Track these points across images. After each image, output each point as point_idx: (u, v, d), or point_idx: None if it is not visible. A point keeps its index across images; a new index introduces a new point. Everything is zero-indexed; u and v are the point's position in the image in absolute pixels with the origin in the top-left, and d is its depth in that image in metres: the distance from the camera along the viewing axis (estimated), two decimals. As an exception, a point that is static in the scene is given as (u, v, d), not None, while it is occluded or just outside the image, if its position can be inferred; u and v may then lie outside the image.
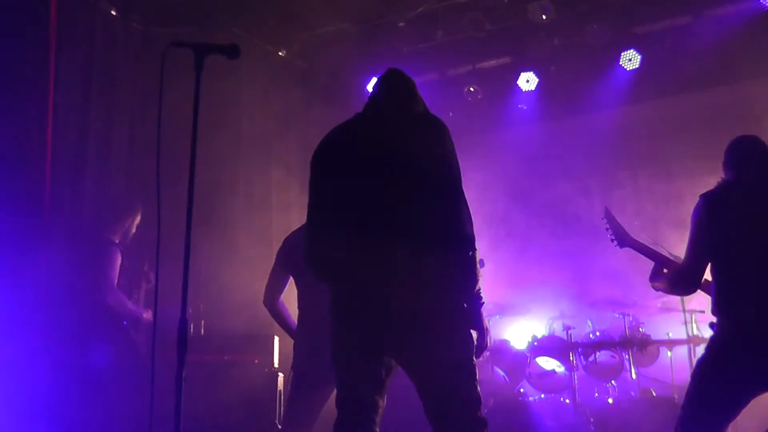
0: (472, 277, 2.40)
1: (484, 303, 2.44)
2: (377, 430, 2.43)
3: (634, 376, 5.45)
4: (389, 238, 2.34)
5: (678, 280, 3.04)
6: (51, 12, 4.68)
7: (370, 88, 6.96)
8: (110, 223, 4.63)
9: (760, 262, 2.80)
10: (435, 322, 2.33)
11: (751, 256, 2.82)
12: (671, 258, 3.27)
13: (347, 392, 2.44)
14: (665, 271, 3.15)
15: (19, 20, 4.58)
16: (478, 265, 2.43)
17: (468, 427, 2.33)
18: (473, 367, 2.39)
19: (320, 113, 6.34)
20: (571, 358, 5.48)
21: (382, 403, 2.45)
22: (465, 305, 2.39)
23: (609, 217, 3.42)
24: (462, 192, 2.42)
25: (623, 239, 3.34)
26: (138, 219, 4.73)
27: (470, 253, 2.39)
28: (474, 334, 2.43)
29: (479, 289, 2.42)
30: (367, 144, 2.48)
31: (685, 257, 2.99)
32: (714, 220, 2.90)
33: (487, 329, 2.45)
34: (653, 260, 3.21)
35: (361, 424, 2.40)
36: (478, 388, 2.38)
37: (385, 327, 2.34)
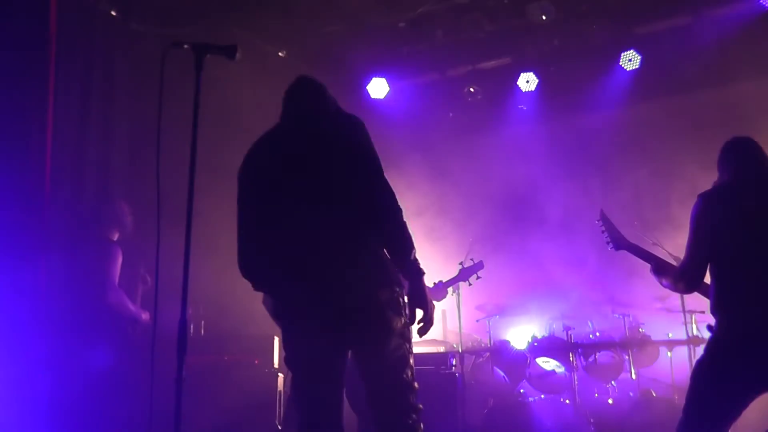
0: (401, 246, 2.39)
1: (423, 273, 2.42)
2: (343, 425, 2.47)
3: (634, 376, 5.45)
4: (314, 239, 2.39)
5: (678, 279, 3.05)
6: (51, 12, 4.68)
7: (370, 88, 6.98)
8: (108, 221, 4.62)
9: (758, 262, 2.80)
10: (366, 314, 2.36)
11: (749, 256, 2.82)
12: (667, 260, 3.27)
13: (308, 395, 2.47)
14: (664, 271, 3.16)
15: (20, 21, 4.58)
16: (405, 235, 2.40)
17: (399, 413, 2.36)
18: (405, 354, 2.41)
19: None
20: (571, 359, 5.48)
21: (342, 398, 2.49)
22: (398, 289, 2.42)
23: (604, 220, 3.41)
24: (381, 178, 2.44)
25: (619, 242, 3.34)
26: (129, 216, 4.71)
27: (392, 223, 2.39)
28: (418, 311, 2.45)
29: (414, 259, 2.41)
30: (285, 154, 2.54)
31: (684, 257, 3.00)
32: (712, 221, 2.90)
33: (430, 302, 2.43)
34: (649, 263, 3.21)
35: (330, 423, 2.43)
36: (410, 374, 2.41)
37: (326, 323, 2.38)
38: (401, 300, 2.43)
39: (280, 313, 2.51)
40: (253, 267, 2.53)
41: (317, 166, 2.45)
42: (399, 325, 2.40)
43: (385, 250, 2.44)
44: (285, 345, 2.54)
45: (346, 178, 2.42)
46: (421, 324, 2.43)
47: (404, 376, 2.39)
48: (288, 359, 2.54)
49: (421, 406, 2.41)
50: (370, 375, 2.41)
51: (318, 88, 2.72)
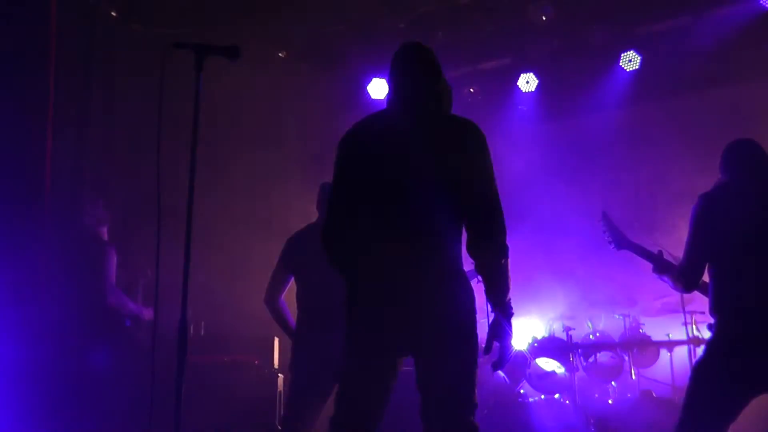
0: (501, 285, 2.36)
1: (513, 314, 2.39)
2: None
3: (634, 377, 5.45)
4: (414, 238, 2.32)
5: (677, 279, 3.05)
6: (51, 13, 4.68)
7: (370, 88, 6.97)
8: (95, 222, 4.61)
9: (757, 262, 2.81)
10: (451, 325, 2.32)
11: (749, 256, 2.83)
12: (669, 260, 3.27)
13: (354, 392, 2.39)
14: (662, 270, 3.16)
15: (20, 21, 4.57)
16: (508, 275, 2.38)
17: (460, 430, 2.33)
18: (476, 372, 2.38)
19: (321, 115, 6.35)
20: (571, 359, 5.48)
21: (384, 408, 2.42)
22: (492, 313, 2.38)
23: (606, 220, 3.42)
24: (496, 199, 2.36)
25: (620, 242, 3.34)
26: (105, 210, 4.69)
27: (501, 261, 2.35)
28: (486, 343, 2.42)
29: (509, 299, 2.37)
30: (398, 141, 2.41)
31: (683, 257, 3.00)
32: (712, 221, 2.90)
33: (511, 344, 2.39)
34: (651, 262, 3.21)
35: (362, 426, 2.38)
36: (475, 393, 2.38)
37: (402, 327, 2.31)
38: (475, 322, 2.39)
39: (355, 301, 2.39)
40: (334, 247, 2.45)
41: (426, 169, 2.33)
42: (475, 345, 2.37)
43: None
44: (349, 339, 2.38)
45: (459, 193, 2.32)
46: (497, 360, 2.40)
47: (472, 394, 2.36)
48: (349, 352, 2.39)
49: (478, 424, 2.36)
50: (436, 388, 2.34)
51: (432, 65, 2.57)
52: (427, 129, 2.42)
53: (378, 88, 6.96)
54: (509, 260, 2.37)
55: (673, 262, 3.28)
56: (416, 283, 2.30)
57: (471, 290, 2.39)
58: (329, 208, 2.49)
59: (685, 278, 3.00)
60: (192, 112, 2.34)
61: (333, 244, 2.45)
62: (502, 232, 2.36)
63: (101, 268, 4.35)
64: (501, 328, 2.36)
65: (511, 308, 2.38)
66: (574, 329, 5.70)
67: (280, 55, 6.76)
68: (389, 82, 2.59)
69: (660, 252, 3.26)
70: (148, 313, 4.57)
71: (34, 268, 4.38)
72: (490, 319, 2.39)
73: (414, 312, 2.29)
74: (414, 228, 2.33)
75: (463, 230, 2.42)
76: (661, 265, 3.17)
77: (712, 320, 2.91)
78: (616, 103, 6.78)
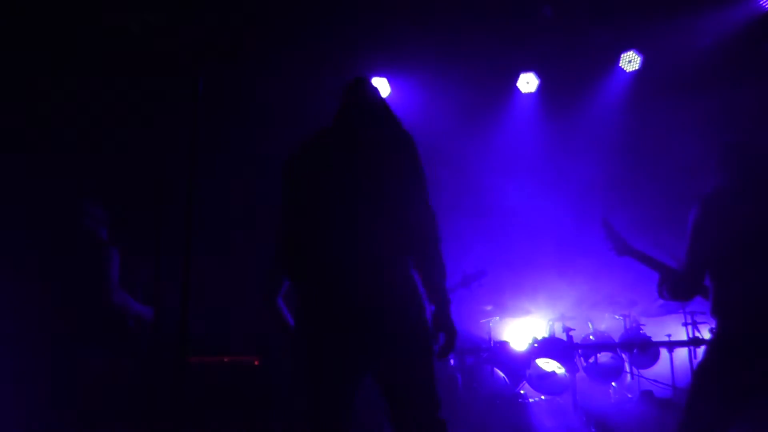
0: (440, 275, 2.43)
1: (450, 302, 2.45)
2: None
3: (634, 377, 5.46)
4: (354, 244, 2.40)
5: (678, 285, 3.03)
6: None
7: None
8: (95, 223, 4.60)
9: (758, 264, 2.80)
10: (400, 326, 2.37)
11: (750, 258, 2.82)
12: (671, 265, 3.25)
13: (320, 403, 2.43)
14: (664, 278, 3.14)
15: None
16: (443, 264, 2.45)
17: (429, 429, 2.37)
18: (433, 369, 2.43)
19: (323, 114, 6.34)
20: (571, 360, 5.48)
21: (350, 415, 2.46)
22: (433, 306, 2.44)
23: (607, 227, 3.41)
24: (425, 201, 2.49)
25: (622, 248, 3.34)
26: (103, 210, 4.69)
27: (436, 250, 2.44)
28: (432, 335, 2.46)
29: (446, 290, 2.44)
30: (336, 157, 2.54)
31: (683, 262, 2.99)
32: (713, 225, 2.90)
33: (454, 329, 2.44)
34: (653, 269, 3.20)
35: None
36: (436, 391, 2.43)
37: (353, 331, 2.36)
38: (427, 319, 2.44)
39: (310, 318, 2.46)
40: (291, 265, 2.55)
41: (362, 179, 2.45)
42: (429, 343, 2.42)
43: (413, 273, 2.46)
44: (311, 354, 2.44)
45: (391, 198, 2.43)
46: (443, 347, 2.44)
47: (434, 393, 2.41)
48: (309, 363, 2.45)
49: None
50: (405, 394, 2.39)
51: (374, 94, 2.76)
52: (362, 141, 2.55)
53: (379, 88, 6.95)
54: (441, 252, 2.45)
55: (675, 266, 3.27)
56: (372, 297, 2.36)
57: (420, 292, 2.44)
58: (281, 231, 2.57)
59: (685, 283, 2.98)
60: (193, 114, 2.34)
61: (288, 261, 2.54)
62: (432, 224, 2.47)
63: (103, 269, 4.34)
64: (444, 318, 2.42)
65: (448, 295, 2.45)
66: (574, 330, 5.70)
67: (280, 55, 6.75)
68: (339, 108, 2.76)
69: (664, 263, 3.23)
70: (149, 314, 4.57)
71: (37, 269, 4.38)
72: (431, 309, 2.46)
73: (375, 329, 2.35)
74: (364, 239, 2.40)
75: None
76: (666, 274, 3.15)
77: (713, 322, 2.91)
78: (616, 104, 6.79)
